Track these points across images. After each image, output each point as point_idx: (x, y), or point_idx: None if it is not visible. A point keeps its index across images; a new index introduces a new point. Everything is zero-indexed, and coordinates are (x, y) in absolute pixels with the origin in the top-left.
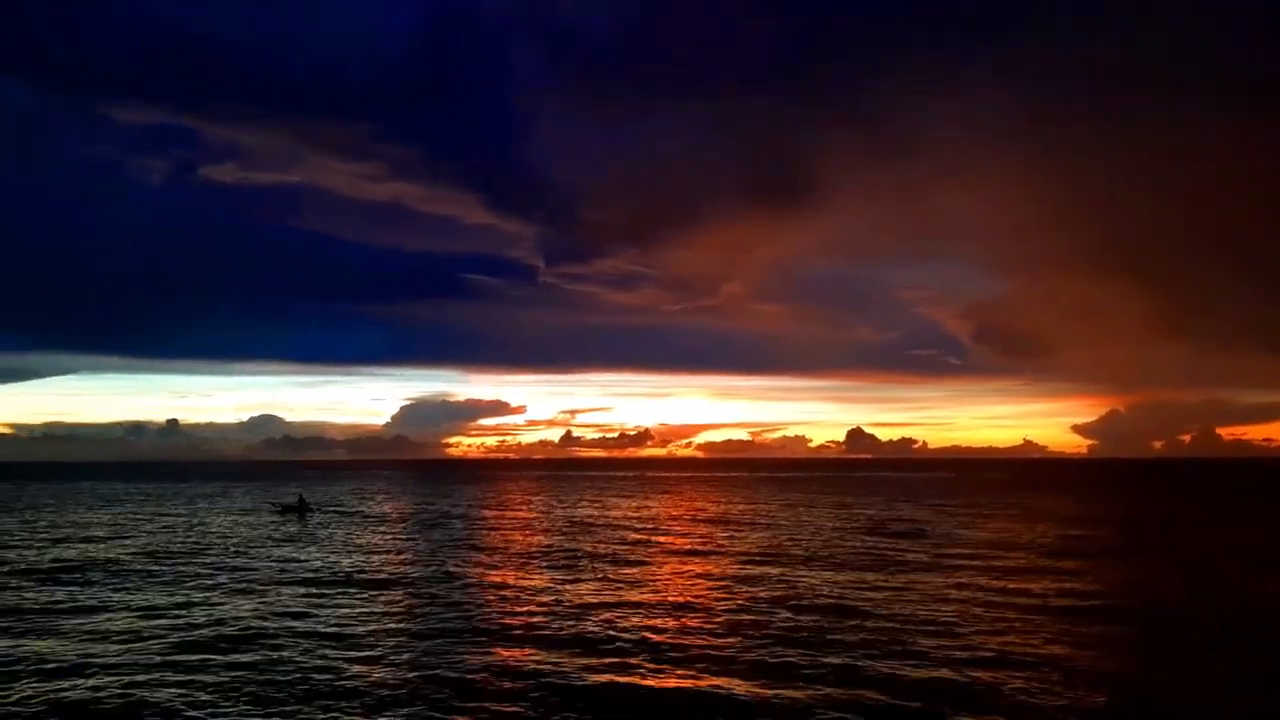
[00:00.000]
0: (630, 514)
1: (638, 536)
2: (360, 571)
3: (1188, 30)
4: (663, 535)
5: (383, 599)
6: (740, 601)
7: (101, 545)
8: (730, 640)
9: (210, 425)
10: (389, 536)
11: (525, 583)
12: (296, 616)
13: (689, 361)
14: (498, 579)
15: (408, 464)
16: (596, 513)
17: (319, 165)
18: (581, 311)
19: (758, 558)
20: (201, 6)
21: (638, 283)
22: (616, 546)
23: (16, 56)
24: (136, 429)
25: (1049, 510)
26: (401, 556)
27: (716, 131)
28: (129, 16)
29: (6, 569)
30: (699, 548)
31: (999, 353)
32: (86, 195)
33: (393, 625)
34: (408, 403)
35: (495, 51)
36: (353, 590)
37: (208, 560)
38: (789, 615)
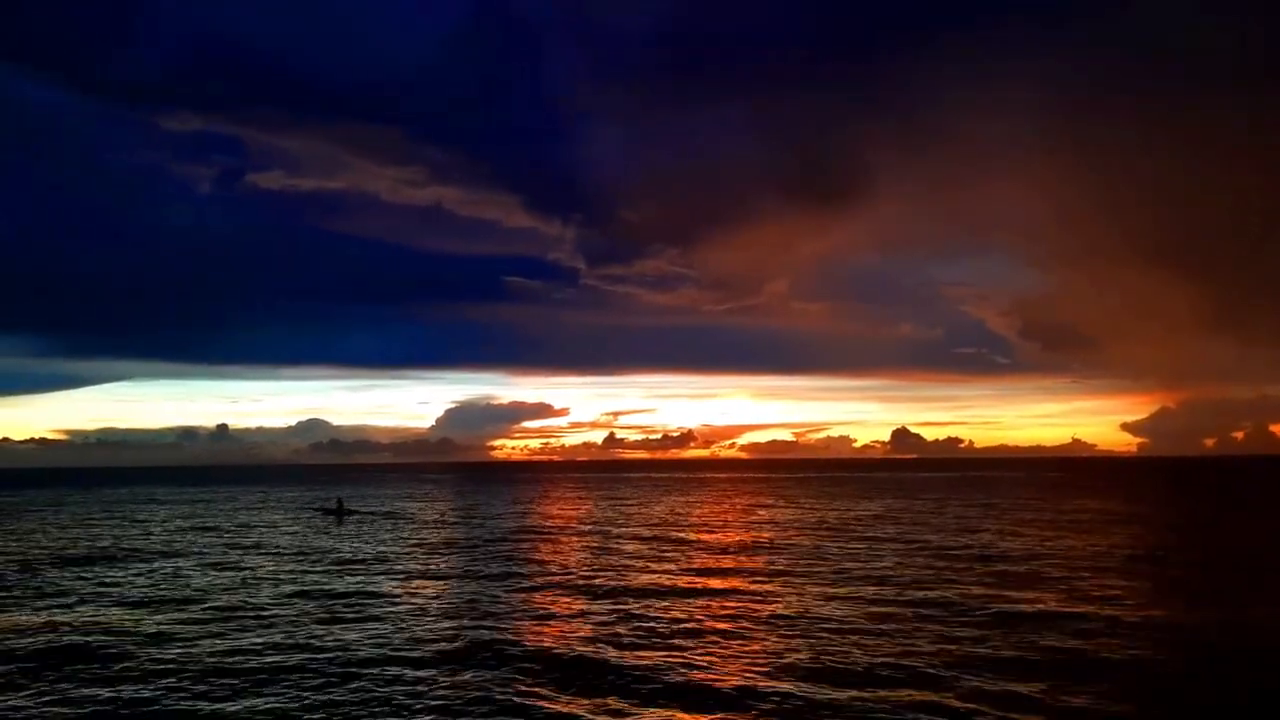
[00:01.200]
0: (675, 518)
1: (683, 547)
2: (386, 574)
3: (1240, 21)
4: (708, 545)
5: (405, 605)
6: (792, 628)
7: (110, 540)
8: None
9: (260, 430)
10: (418, 541)
11: (561, 603)
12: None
13: (731, 362)
14: (528, 595)
15: (453, 466)
16: (640, 517)
17: (361, 170)
18: (623, 313)
19: (803, 576)
20: (245, 16)
21: (679, 283)
22: (661, 557)
23: (68, 67)
24: (188, 434)
25: (1092, 512)
26: (429, 562)
27: (756, 129)
28: (175, 26)
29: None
30: (742, 565)
31: (1045, 349)
32: (135, 203)
33: (413, 631)
34: (452, 406)
35: (534, 53)
36: (371, 592)
37: (251, 558)
38: (848, 646)
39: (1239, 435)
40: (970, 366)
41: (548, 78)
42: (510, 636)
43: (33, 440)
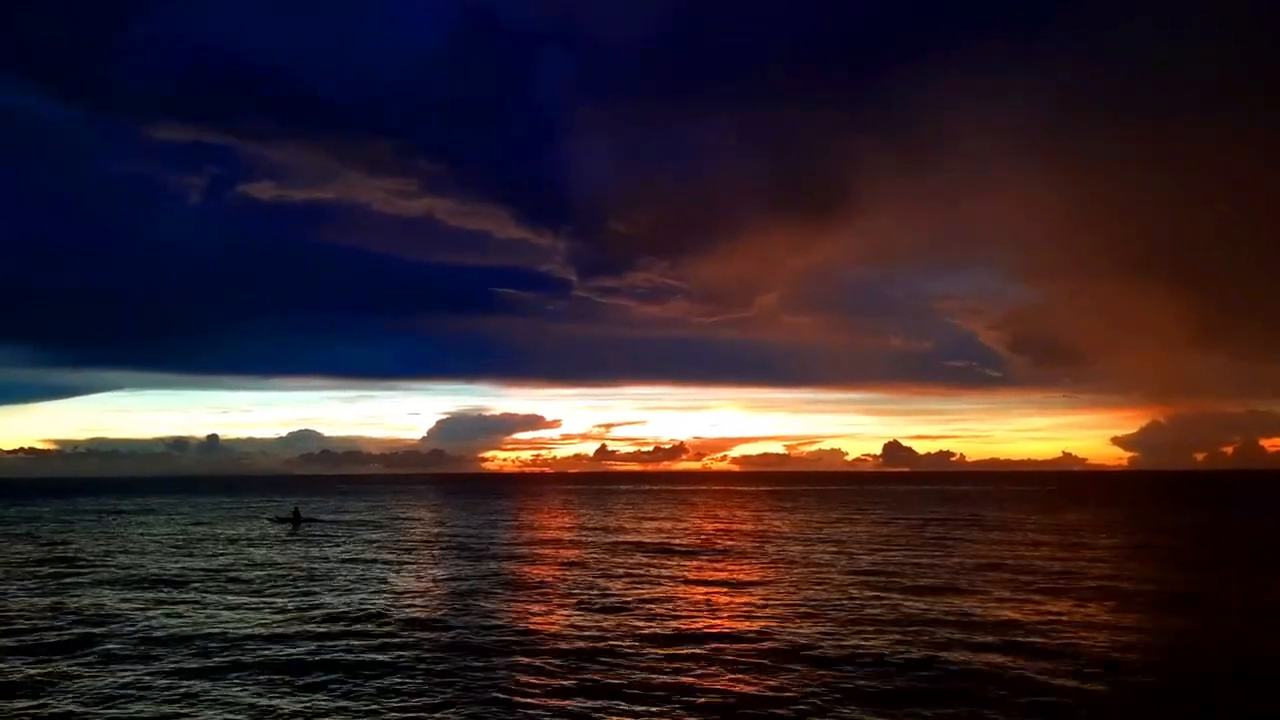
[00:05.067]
0: (661, 533)
1: (666, 566)
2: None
3: (1225, 34)
4: (693, 560)
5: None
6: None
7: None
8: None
9: (250, 440)
10: (371, 549)
11: (526, 613)
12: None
13: (723, 374)
14: (471, 602)
15: (443, 478)
16: (631, 530)
17: (352, 181)
18: (615, 325)
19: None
20: (236, 27)
21: (670, 295)
22: (642, 577)
23: (60, 77)
24: (179, 444)
25: (1070, 527)
26: (369, 570)
27: (747, 142)
28: (167, 38)
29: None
30: (730, 578)
31: (1036, 363)
32: (126, 213)
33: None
34: (444, 417)
35: (525, 66)
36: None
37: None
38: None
39: (1229, 450)
40: (961, 380)
41: (539, 90)
42: (467, 648)
43: (22, 450)
